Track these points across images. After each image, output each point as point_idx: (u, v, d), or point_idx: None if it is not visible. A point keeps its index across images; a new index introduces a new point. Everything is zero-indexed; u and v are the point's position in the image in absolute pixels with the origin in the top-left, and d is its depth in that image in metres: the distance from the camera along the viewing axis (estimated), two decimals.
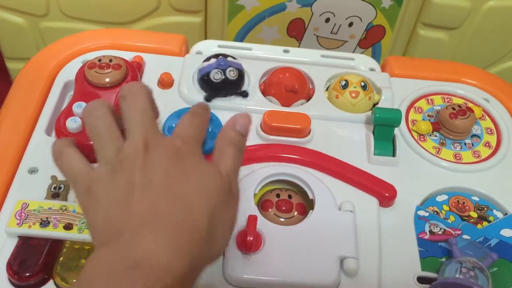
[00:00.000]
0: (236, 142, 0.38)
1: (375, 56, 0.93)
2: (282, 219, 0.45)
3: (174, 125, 0.49)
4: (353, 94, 0.53)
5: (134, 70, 0.52)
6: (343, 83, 0.54)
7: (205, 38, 0.90)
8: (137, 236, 0.31)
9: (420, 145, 0.51)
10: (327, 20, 0.87)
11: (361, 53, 0.91)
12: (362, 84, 0.53)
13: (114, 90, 0.50)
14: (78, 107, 0.47)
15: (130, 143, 0.36)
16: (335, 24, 0.87)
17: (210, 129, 0.49)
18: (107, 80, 0.50)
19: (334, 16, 0.86)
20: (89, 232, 0.34)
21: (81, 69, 0.51)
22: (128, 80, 0.51)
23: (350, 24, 0.87)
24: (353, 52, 0.91)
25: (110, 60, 0.51)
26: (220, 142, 0.38)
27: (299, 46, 0.92)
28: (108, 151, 0.36)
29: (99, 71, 0.50)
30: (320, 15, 0.86)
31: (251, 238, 0.40)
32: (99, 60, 0.51)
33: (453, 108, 0.52)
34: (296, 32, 0.89)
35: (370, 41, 0.91)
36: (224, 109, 0.52)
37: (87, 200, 0.35)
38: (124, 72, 0.51)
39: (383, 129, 0.50)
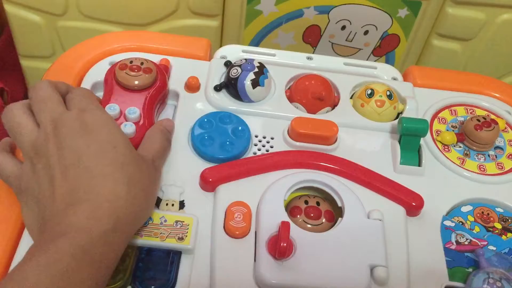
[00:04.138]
0: (165, 133, 0.47)
1: (388, 64, 0.93)
2: (309, 226, 0.45)
3: (200, 132, 0.50)
4: (379, 103, 0.53)
5: (163, 74, 0.52)
6: (369, 91, 0.54)
7: (221, 42, 0.90)
8: (60, 217, 0.36)
9: (445, 156, 0.52)
10: (343, 27, 0.87)
11: (375, 61, 0.92)
12: (388, 93, 0.54)
13: (143, 93, 0.50)
14: (111, 109, 0.47)
15: (40, 131, 0.40)
16: (350, 31, 0.88)
17: (239, 127, 0.50)
18: (137, 82, 0.50)
19: (351, 24, 0.86)
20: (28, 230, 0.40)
21: (111, 70, 0.51)
22: (157, 84, 0.51)
23: (366, 32, 0.88)
24: (367, 60, 0.92)
25: (142, 63, 0.51)
26: (150, 132, 0.46)
27: (313, 53, 0.92)
28: (23, 144, 0.40)
29: (130, 73, 0.50)
30: (337, 23, 0.86)
31: (285, 244, 0.40)
32: (131, 62, 0.51)
33: (478, 120, 0.53)
34: (311, 38, 0.90)
35: (384, 50, 0.92)
36: (250, 114, 0.52)
37: (21, 198, 0.40)
38: (154, 77, 0.51)
39: (410, 138, 0.50)
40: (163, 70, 0.53)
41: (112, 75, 0.51)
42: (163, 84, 0.51)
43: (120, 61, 0.52)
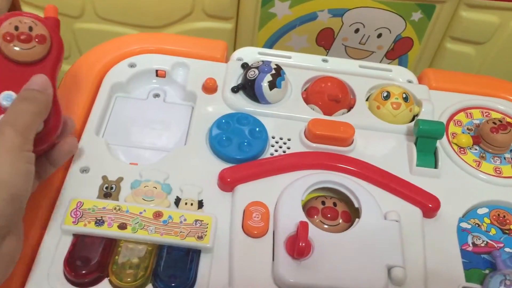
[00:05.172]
0: (28, 96, 0.39)
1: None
2: (326, 226, 0.46)
3: (218, 132, 0.50)
4: (395, 105, 0.54)
5: (58, 37, 0.43)
6: (385, 94, 0.54)
7: (235, 44, 0.91)
8: None
9: (461, 158, 0.52)
10: (357, 30, 0.88)
11: (388, 64, 0.92)
12: (404, 95, 0.54)
13: (37, 67, 0.42)
14: (7, 99, 0.40)
15: None
16: (364, 34, 0.88)
17: (257, 129, 0.51)
18: (29, 59, 0.41)
19: (364, 27, 0.87)
20: None
21: None
22: (53, 54, 0.42)
23: (379, 35, 0.88)
24: (380, 63, 0.92)
25: (30, 28, 0.41)
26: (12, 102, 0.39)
27: (326, 55, 0.93)
28: None
29: (20, 46, 0.41)
30: (350, 26, 0.87)
31: (303, 244, 0.40)
32: (16, 28, 0.41)
33: (494, 123, 0.53)
34: (325, 41, 0.90)
35: (398, 53, 0.92)
36: (267, 115, 0.53)
37: None
38: (49, 45, 0.42)
39: (426, 140, 0.51)
40: (56, 29, 0.43)
41: None
42: (60, 51, 0.42)
43: (1, 25, 0.41)
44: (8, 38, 0.40)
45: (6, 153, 0.35)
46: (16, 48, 0.41)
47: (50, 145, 0.42)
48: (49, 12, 0.44)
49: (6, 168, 0.35)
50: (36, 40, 0.41)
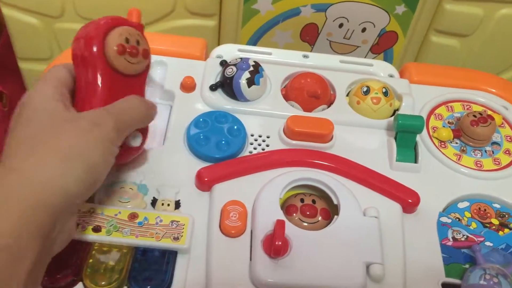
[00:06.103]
0: (137, 105, 0.42)
1: (387, 61, 0.93)
2: (305, 224, 0.45)
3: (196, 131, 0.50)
4: (375, 100, 0.53)
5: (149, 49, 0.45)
6: (365, 89, 0.54)
7: (218, 41, 0.90)
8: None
9: (441, 152, 0.52)
10: (341, 25, 0.87)
11: (373, 58, 0.92)
12: (384, 90, 0.54)
13: (136, 79, 0.44)
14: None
15: None
16: (348, 29, 0.88)
17: (235, 127, 0.50)
18: (137, 72, 0.43)
19: (348, 21, 0.86)
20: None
21: (98, 49, 0.40)
22: (148, 65, 0.45)
23: (363, 30, 0.88)
24: (365, 57, 0.92)
25: (138, 42, 0.43)
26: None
27: (311, 51, 0.92)
28: None
29: (130, 60, 0.42)
30: (334, 20, 0.86)
31: (280, 243, 0.40)
32: (127, 41, 0.42)
33: (474, 116, 0.52)
34: (309, 36, 0.90)
35: (383, 47, 0.92)
36: (246, 113, 0.53)
37: None
38: (149, 60, 0.44)
39: (406, 135, 0.50)
40: (144, 37, 0.45)
41: (101, 57, 0.40)
42: (149, 63, 0.45)
43: (111, 32, 0.41)
44: (121, 50, 0.41)
45: (103, 141, 0.37)
46: (125, 62, 0.42)
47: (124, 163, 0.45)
48: (133, 16, 0.45)
49: (99, 154, 0.37)
50: (142, 55, 0.43)
